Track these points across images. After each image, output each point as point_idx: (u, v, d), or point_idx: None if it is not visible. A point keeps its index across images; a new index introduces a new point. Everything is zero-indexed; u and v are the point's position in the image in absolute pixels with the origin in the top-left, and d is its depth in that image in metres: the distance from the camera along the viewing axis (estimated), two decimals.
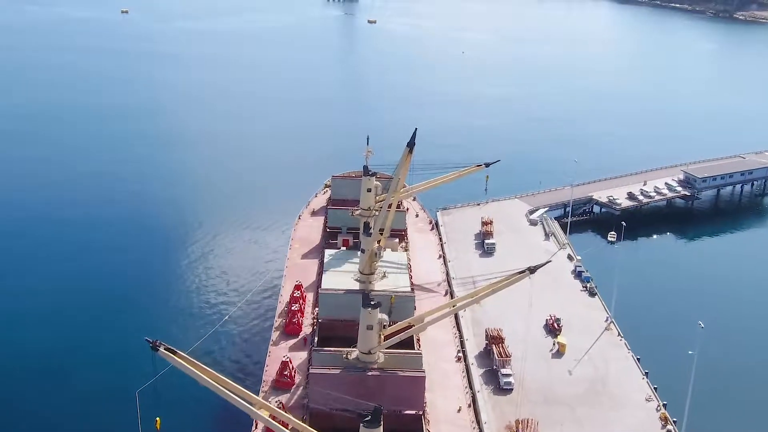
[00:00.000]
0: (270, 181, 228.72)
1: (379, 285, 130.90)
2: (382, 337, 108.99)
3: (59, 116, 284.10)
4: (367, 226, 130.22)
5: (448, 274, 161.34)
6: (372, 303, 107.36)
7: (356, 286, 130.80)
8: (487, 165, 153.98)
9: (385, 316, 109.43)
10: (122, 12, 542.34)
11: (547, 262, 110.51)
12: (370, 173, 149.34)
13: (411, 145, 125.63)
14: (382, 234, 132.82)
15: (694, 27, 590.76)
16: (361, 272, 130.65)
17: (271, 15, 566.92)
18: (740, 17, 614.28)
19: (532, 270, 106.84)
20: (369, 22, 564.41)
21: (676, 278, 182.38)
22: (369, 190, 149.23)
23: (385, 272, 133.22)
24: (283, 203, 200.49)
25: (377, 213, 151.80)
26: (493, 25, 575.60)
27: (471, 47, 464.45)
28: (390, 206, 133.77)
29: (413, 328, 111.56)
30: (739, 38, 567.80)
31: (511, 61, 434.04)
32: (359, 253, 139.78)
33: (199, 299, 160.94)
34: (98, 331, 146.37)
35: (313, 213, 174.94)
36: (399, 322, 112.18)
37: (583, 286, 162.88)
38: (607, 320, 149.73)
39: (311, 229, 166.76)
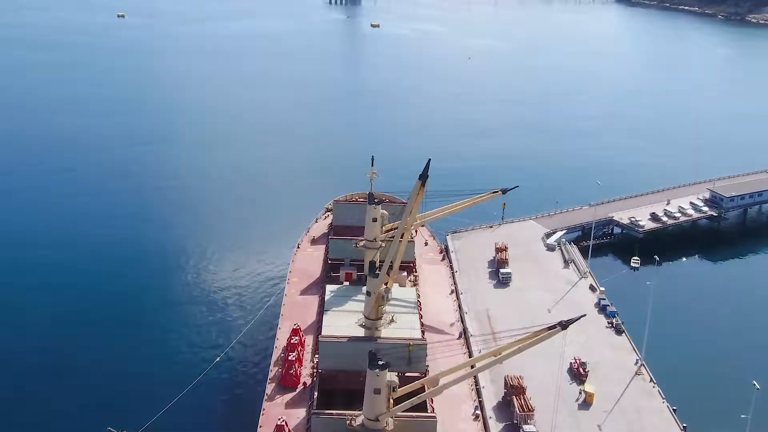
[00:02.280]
0: (266, 204, 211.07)
1: (386, 331, 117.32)
2: (392, 401, 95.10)
3: (42, 147, 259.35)
4: (372, 266, 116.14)
5: (461, 308, 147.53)
6: (380, 363, 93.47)
7: (361, 332, 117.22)
8: (504, 191, 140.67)
9: (395, 379, 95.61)
10: (118, 16, 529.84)
11: (581, 317, 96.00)
12: (376, 201, 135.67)
13: (424, 177, 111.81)
14: (389, 274, 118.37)
15: (705, 31, 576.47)
16: (366, 317, 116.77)
17: (271, 20, 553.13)
18: (752, 20, 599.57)
19: (563, 325, 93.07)
20: (372, 26, 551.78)
21: (710, 311, 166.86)
22: (374, 220, 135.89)
23: (393, 316, 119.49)
24: (280, 229, 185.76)
25: (384, 245, 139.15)
26: (499, 29, 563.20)
27: (477, 53, 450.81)
28: (399, 244, 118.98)
29: (427, 392, 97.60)
30: (754, 42, 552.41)
31: (519, 69, 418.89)
32: (363, 289, 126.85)
33: (184, 340, 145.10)
34: (68, 377, 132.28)
35: (313, 241, 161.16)
36: (409, 384, 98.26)
37: (609, 323, 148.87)
38: (637, 363, 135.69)
39: (311, 260, 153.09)
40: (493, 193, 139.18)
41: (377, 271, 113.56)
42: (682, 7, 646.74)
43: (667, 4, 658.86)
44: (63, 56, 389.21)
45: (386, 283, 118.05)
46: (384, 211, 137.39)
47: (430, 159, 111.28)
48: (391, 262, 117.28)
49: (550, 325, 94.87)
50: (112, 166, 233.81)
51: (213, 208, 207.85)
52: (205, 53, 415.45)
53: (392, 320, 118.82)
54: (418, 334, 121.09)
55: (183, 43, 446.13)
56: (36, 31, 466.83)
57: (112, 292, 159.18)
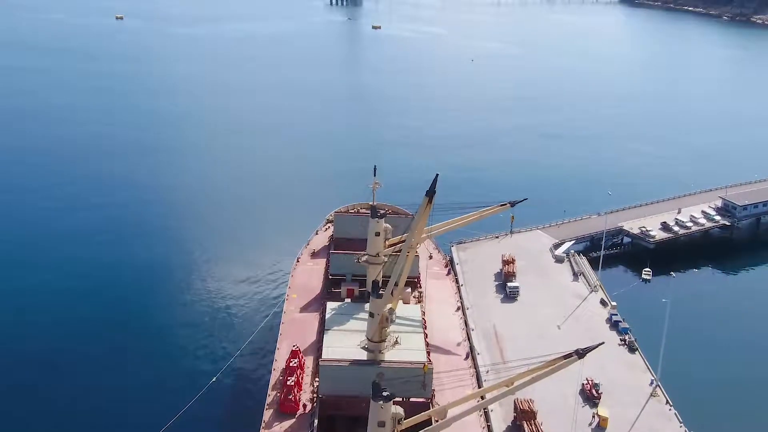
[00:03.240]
0: (264, 215, 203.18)
1: (390, 354, 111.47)
2: None
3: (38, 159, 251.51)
4: (376, 286, 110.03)
5: (467, 324, 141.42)
6: (384, 394, 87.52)
7: (363, 355, 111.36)
8: (513, 204, 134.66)
9: (400, 410, 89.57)
10: (117, 18, 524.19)
11: (599, 345, 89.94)
12: (379, 214, 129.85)
13: (431, 193, 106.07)
14: (393, 294, 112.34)
15: (710, 32, 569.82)
16: (369, 339, 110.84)
17: (271, 22, 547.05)
18: (758, 21, 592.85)
19: (580, 354, 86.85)
20: (373, 27, 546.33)
21: (727, 326, 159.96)
22: (377, 234, 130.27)
23: (397, 337, 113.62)
24: (279, 241, 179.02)
25: (387, 260, 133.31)
26: (502, 31, 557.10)
27: (480, 56, 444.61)
28: (404, 263, 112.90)
29: (435, 425, 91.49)
30: (760, 43, 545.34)
31: (524, 72, 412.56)
32: (366, 306, 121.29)
33: (176, 360, 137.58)
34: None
35: (314, 254, 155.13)
36: (415, 416, 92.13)
37: (621, 340, 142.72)
38: (652, 384, 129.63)
39: (311, 275, 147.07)
40: (501, 206, 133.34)
41: (381, 291, 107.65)
42: (686, 7, 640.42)
43: (671, 5, 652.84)
44: (58, 61, 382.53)
45: (391, 304, 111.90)
46: (387, 225, 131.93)
47: (438, 174, 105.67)
48: (396, 282, 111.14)
49: (565, 353, 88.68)
50: (104, 179, 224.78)
51: (208, 218, 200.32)
52: (203, 58, 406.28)
53: (396, 342, 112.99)
54: (423, 356, 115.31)
55: (181, 48, 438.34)
56: (32, 34, 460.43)
57: (104, 308, 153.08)
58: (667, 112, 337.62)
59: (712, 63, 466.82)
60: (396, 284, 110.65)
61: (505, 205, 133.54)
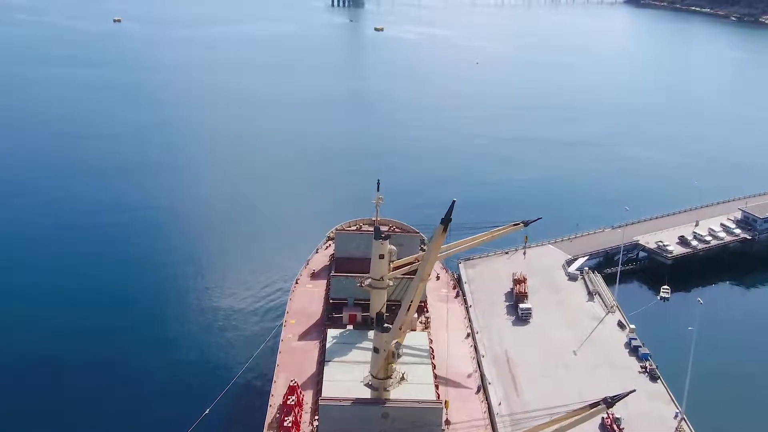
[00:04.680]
0: (262, 231, 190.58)
1: (396, 392, 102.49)
2: None
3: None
4: (380, 318, 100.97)
5: (476, 349, 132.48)
6: None
7: (366, 392, 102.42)
8: (526, 224, 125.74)
9: None
10: (115, 21, 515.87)
11: (631, 392, 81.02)
12: (383, 235, 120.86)
13: (446, 221, 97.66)
14: (402, 328, 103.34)
15: (718, 33, 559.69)
16: (373, 376, 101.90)
17: (271, 24, 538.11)
18: (767, 21, 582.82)
19: (609, 403, 78.06)
20: (375, 29, 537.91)
21: (755, 350, 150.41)
22: (381, 257, 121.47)
23: (404, 373, 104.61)
24: (277, 260, 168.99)
25: (391, 284, 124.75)
26: (506, 32, 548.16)
27: (485, 58, 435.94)
28: (413, 301, 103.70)
29: None
30: None
31: (529, 75, 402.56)
32: (369, 334, 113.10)
33: (163, 394, 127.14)
34: None
35: (314, 275, 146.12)
36: None
37: (642, 367, 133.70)
38: (677, 417, 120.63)
39: (311, 298, 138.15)
40: (514, 225, 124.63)
41: (387, 325, 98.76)
42: (693, 8, 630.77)
43: (678, 5, 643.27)
44: (55, 69, 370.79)
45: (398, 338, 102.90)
46: (392, 247, 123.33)
47: (454, 201, 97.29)
48: (405, 315, 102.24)
49: (592, 402, 79.99)
50: (97, 197, 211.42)
51: (201, 234, 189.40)
52: (200, 66, 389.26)
53: (403, 378, 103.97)
54: (431, 394, 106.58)
55: (179, 52, 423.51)
56: (26, 37, 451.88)
57: (87, 334, 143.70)
58: (680, 119, 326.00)
59: (722, 66, 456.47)
60: (404, 318, 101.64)
61: (518, 224, 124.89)
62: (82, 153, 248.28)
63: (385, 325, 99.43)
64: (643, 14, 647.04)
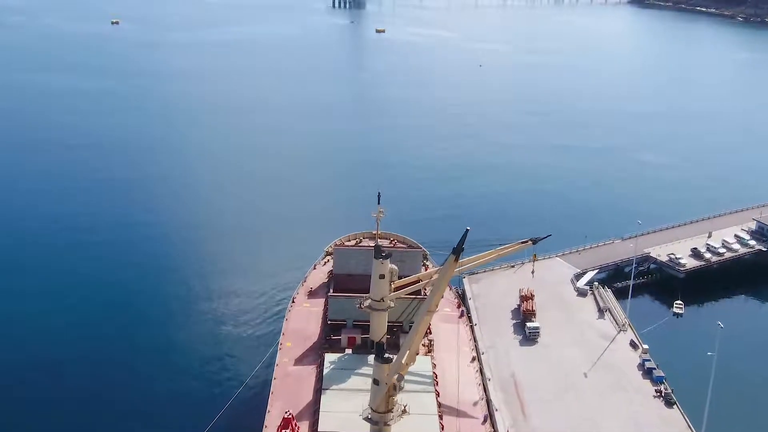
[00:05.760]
0: (258, 246, 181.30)
1: (397, 426, 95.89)
2: None
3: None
4: (381, 348, 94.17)
5: (482, 372, 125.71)
6: None
7: (366, 427, 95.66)
8: (535, 241, 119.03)
9: None
10: (113, 23, 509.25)
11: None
12: (384, 254, 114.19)
13: (458, 251, 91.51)
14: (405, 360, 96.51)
15: (725, 34, 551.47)
16: (373, 409, 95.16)
17: (271, 26, 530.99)
18: None
19: None
20: (377, 31, 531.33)
21: None
22: (382, 277, 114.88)
23: (405, 406, 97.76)
24: (273, 277, 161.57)
25: (392, 305, 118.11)
26: (509, 34, 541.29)
27: (488, 60, 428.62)
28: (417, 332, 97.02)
29: None
30: None
31: (533, 78, 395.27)
32: (369, 359, 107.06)
33: (150, 425, 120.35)
34: None
35: (311, 293, 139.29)
36: None
37: (657, 391, 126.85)
38: None
39: (308, 319, 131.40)
40: (522, 243, 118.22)
41: (389, 357, 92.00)
42: (698, 8, 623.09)
43: (683, 6, 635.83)
44: (53, 76, 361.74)
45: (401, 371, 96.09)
46: (393, 266, 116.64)
47: (468, 230, 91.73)
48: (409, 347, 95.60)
49: None
50: (91, 219, 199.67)
51: (194, 246, 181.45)
52: (198, 72, 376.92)
53: (405, 410, 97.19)
54: (435, 427, 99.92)
55: (177, 57, 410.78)
56: (21, 41, 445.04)
57: (71, 359, 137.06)
58: (690, 124, 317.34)
59: (732, 68, 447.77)
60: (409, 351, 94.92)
61: (526, 242, 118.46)
62: (73, 163, 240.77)
63: (386, 355, 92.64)
64: (648, 15, 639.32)
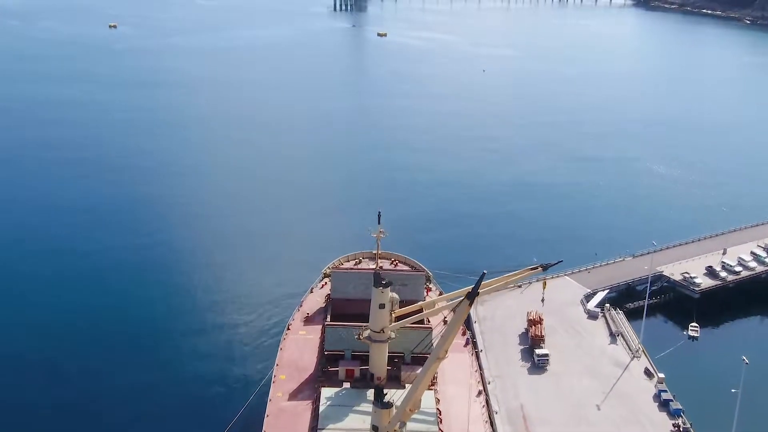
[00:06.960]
0: (251, 267, 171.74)
1: None
2: None
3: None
4: (380, 393, 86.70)
5: (488, 404, 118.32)
6: None
7: None
8: (545, 267, 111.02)
9: None
10: (110, 27, 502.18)
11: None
12: (384, 282, 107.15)
13: (473, 296, 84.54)
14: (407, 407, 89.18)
15: (732, 36, 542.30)
16: None
17: (271, 29, 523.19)
18: None
19: None
20: (378, 35, 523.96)
21: None
22: (382, 306, 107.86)
23: None
24: (267, 300, 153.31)
25: (393, 335, 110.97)
26: (513, 38, 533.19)
27: (492, 66, 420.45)
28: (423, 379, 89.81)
29: None
30: None
31: (539, 85, 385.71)
32: (367, 394, 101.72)
33: None
34: None
35: (307, 320, 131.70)
36: None
37: (674, 425, 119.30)
38: None
39: (304, 348, 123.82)
40: (532, 269, 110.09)
41: (389, 402, 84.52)
42: (704, 10, 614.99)
43: (688, 8, 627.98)
44: (50, 88, 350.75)
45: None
46: (394, 295, 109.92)
47: (484, 273, 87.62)
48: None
49: None
50: (89, 229, 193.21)
51: (189, 264, 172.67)
52: (196, 80, 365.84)
53: None
54: None
55: (175, 63, 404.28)
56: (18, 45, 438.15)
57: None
58: (703, 133, 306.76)
59: (742, 73, 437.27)
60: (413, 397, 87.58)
61: (536, 268, 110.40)
62: (70, 165, 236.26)
63: (386, 400, 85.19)
64: (654, 18, 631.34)
